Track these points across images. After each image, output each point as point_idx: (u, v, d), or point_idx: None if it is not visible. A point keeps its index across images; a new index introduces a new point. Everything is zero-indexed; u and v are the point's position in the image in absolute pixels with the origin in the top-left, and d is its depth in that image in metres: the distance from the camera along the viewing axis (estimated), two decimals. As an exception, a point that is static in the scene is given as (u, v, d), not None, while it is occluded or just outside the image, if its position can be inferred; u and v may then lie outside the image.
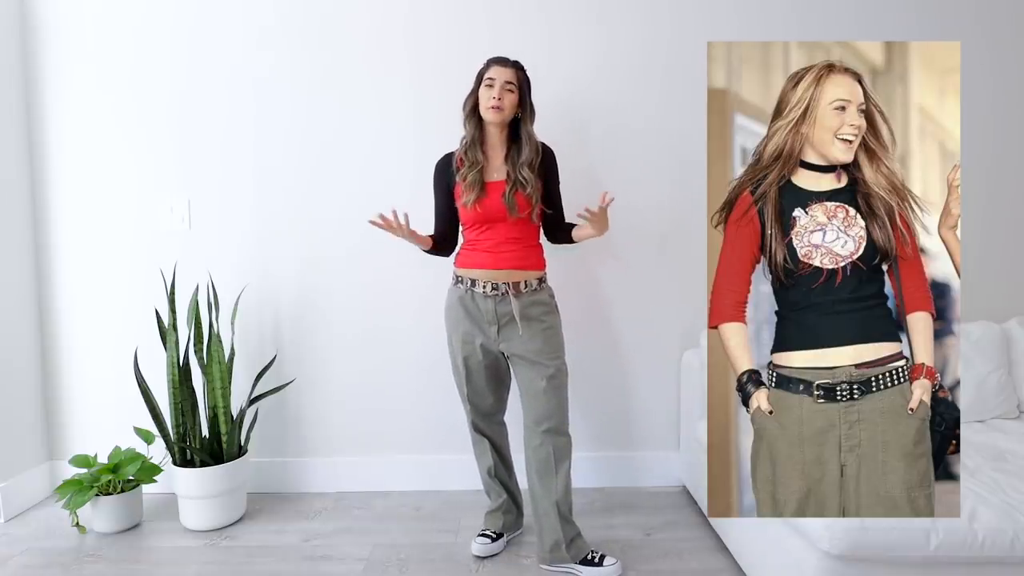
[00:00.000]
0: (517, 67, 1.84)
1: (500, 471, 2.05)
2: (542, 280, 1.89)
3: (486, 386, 1.94)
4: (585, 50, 2.34)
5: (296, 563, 1.94)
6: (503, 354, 1.89)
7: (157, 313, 2.22)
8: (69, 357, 2.43)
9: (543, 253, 1.92)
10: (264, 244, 2.40)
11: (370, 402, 2.45)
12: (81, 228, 2.40)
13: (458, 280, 1.89)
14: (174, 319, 2.16)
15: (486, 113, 1.81)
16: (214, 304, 2.23)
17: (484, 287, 1.82)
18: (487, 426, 2.02)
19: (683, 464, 2.41)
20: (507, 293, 1.82)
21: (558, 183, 1.92)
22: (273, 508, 2.32)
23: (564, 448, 1.86)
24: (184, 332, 2.29)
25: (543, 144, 1.88)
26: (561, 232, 1.95)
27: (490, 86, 1.80)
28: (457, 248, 1.96)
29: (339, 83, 2.35)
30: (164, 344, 2.18)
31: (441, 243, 1.95)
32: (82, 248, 2.40)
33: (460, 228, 1.95)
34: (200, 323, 2.21)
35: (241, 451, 2.23)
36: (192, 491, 2.12)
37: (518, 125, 1.86)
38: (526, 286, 1.84)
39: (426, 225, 1.94)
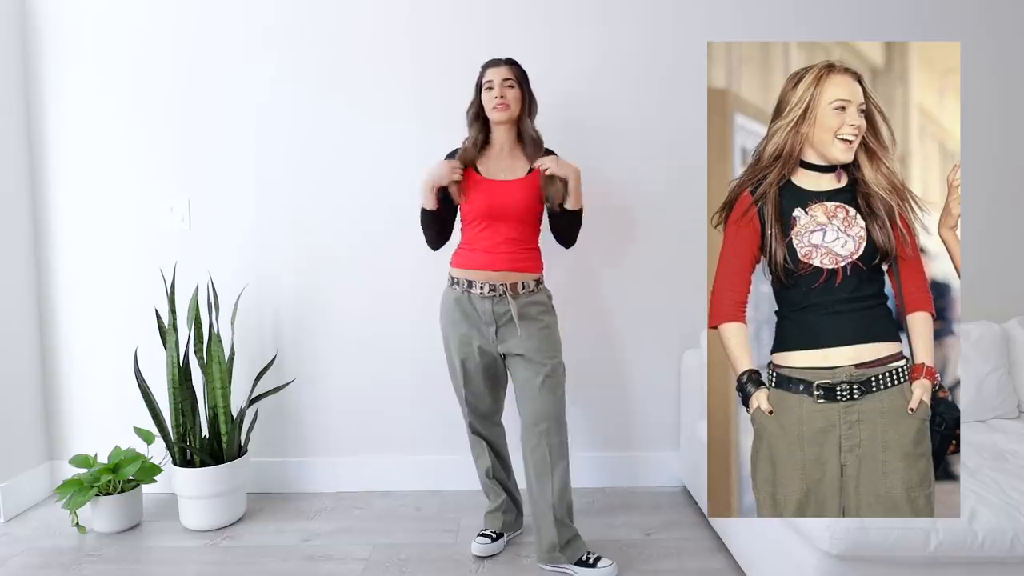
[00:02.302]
0: (510, 63, 1.86)
1: (498, 472, 2.05)
2: (539, 282, 1.89)
3: (484, 388, 1.94)
4: (585, 50, 2.34)
5: (296, 563, 1.94)
6: (501, 355, 1.88)
7: (157, 313, 2.22)
8: (69, 357, 2.43)
9: (541, 256, 1.92)
10: (264, 244, 2.40)
11: (370, 402, 2.45)
12: (81, 228, 2.40)
13: (454, 281, 1.88)
14: (174, 319, 2.16)
15: (492, 113, 1.82)
16: (214, 304, 2.23)
17: (481, 288, 1.82)
18: (485, 428, 2.02)
19: (683, 464, 2.41)
20: (504, 294, 1.81)
21: None
22: (273, 508, 2.32)
23: (561, 448, 1.85)
24: (184, 332, 2.29)
25: (547, 149, 1.90)
26: (563, 224, 1.90)
27: (490, 88, 1.82)
28: (453, 247, 1.94)
29: (341, 84, 2.35)
30: (164, 344, 2.18)
31: (441, 223, 1.92)
32: (82, 248, 2.40)
33: (459, 225, 1.94)
34: (200, 323, 2.21)
35: (241, 451, 2.23)
36: (192, 491, 2.12)
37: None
38: (523, 287, 1.83)
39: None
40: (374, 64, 2.35)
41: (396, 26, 2.34)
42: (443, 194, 1.87)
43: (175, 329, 2.15)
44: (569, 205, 1.84)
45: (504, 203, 1.81)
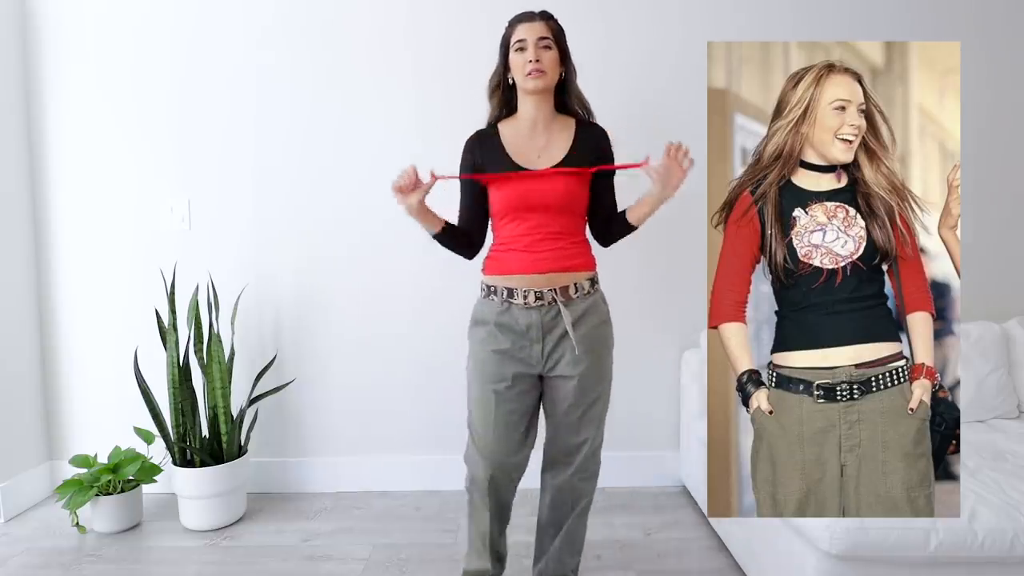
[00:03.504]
0: (546, 17, 1.51)
1: (496, 542, 1.62)
2: (594, 281, 1.55)
3: (522, 429, 1.53)
4: (585, 50, 2.33)
5: (296, 563, 1.94)
6: (541, 378, 1.55)
7: (157, 313, 2.22)
8: (69, 357, 2.43)
9: (592, 250, 1.59)
10: (264, 244, 2.40)
11: (370, 402, 2.45)
12: (81, 228, 2.40)
13: (490, 291, 1.52)
14: (174, 319, 2.16)
15: (526, 82, 1.48)
16: (214, 304, 2.23)
17: (525, 297, 1.47)
18: (503, 484, 1.56)
19: (683, 464, 2.41)
20: (554, 301, 1.47)
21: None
22: (273, 508, 2.32)
23: (590, 483, 1.59)
24: (184, 332, 2.29)
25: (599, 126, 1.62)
26: (613, 223, 1.60)
27: (522, 49, 1.47)
28: (485, 251, 1.62)
29: (340, 83, 2.35)
30: (164, 344, 2.18)
31: (459, 236, 1.60)
32: (82, 248, 2.40)
33: (489, 224, 1.61)
34: (200, 323, 2.21)
35: (241, 451, 2.23)
36: (192, 491, 2.12)
37: (560, 93, 1.57)
38: (577, 290, 1.49)
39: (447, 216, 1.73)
40: (373, 63, 2.35)
41: (395, 25, 2.33)
42: (469, 195, 1.58)
43: (175, 329, 2.15)
44: (631, 217, 1.56)
45: (540, 190, 1.48)
